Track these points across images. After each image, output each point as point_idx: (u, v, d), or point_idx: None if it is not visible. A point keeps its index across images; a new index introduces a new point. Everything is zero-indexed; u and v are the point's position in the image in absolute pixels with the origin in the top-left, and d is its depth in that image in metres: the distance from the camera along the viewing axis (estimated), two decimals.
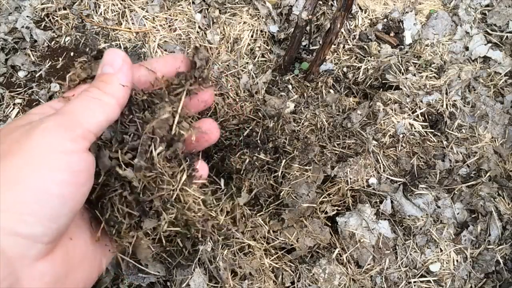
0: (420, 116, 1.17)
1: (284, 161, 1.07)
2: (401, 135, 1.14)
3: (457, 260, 1.05)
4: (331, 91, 1.26)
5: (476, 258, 1.05)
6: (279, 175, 1.07)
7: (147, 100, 0.50)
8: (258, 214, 1.05)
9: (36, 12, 1.29)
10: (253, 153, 1.08)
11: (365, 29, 1.35)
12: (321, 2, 1.33)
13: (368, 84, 1.26)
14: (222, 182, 1.10)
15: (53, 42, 1.27)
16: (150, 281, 0.96)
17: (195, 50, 0.53)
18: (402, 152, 1.13)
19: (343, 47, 1.33)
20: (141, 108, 0.50)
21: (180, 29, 1.30)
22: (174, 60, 0.54)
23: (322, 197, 1.07)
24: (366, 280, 1.01)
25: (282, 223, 1.03)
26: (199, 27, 1.30)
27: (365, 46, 1.32)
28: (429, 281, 1.02)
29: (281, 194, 1.04)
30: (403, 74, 1.24)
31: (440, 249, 1.05)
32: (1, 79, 1.22)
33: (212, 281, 0.96)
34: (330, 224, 1.07)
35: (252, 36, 1.30)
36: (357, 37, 1.34)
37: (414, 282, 1.02)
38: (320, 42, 1.22)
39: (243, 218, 1.03)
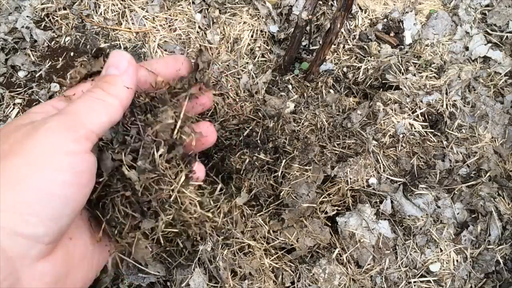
0: (420, 116, 1.17)
1: (284, 161, 1.07)
2: (401, 135, 1.14)
3: (457, 260, 1.05)
4: (331, 91, 1.26)
5: (476, 258, 1.05)
6: (279, 175, 1.07)
7: (149, 103, 0.51)
8: (258, 214, 1.05)
9: (36, 12, 1.29)
10: (253, 153, 1.08)
11: (365, 29, 1.35)
12: (321, 2, 1.33)
13: (368, 84, 1.26)
14: (219, 183, 1.09)
15: (53, 42, 1.27)
16: (150, 281, 0.96)
17: (199, 53, 0.53)
18: (402, 152, 1.13)
19: (343, 47, 1.33)
20: (143, 110, 0.50)
21: (180, 29, 1.30)
22: (175, 61, 0.54)
23: (322, 197, 1.07)
24: (366, 280, 1.01)
25: (282, 223, 1.03)
26: (199, 27, 1.30)
27: (365, 46, 1.32)
28: (429, 281, 1.02)
29: (281, 194, 1.04)
30: (403, 74, 1.24)
31: (440, 249, 1.05)
32: (1, 79, 1.22)
33: (212, 281, 0.96)
34: (330, 224, 1.07)
35: (252, 36, 1.30)
36: (357, 37, 1.34)
37: (414, 282, 1.02)
38: (320, 42, 1.22)
39: (243, 218, 1.03)
